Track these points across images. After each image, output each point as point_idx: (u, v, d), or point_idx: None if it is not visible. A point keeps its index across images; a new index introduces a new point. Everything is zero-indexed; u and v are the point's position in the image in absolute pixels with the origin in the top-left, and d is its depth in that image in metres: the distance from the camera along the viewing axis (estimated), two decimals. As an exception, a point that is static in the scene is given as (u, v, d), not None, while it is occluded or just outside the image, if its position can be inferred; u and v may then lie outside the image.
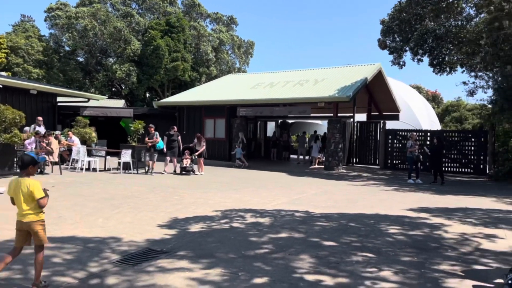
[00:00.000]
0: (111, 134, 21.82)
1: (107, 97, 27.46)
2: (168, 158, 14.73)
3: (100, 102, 22.95)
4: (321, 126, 29.93)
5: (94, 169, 14.24)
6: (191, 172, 14.41)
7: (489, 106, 17.94)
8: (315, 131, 21.51)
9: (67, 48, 34.63)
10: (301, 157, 21.88)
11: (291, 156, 24.04)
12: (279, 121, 24.85)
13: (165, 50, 31.78)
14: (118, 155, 14.88)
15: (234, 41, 39.86)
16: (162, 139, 14.49)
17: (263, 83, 21.56)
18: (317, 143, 19.91)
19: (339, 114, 17.95)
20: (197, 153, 14.62)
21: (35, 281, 3.75)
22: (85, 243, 5.26)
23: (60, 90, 19.50)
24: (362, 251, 5.21)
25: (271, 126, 26.69)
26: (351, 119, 19.88)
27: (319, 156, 19.92)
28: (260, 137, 24.60)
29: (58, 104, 19.74)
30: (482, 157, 17.12)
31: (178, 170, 14.50)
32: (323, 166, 18.15)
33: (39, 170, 12.71)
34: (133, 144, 14.67)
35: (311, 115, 19.92)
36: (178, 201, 8.62)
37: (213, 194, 9.86)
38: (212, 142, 20.41)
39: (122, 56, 33.18)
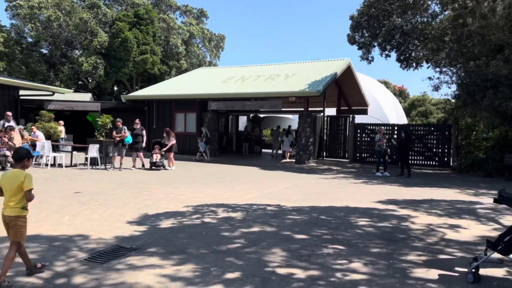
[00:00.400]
0: (77, 128, 21.19)
1: (73, 90, 26.61)
2: (135, 154, 14.34)
3: (66, 96, 22.18)
4: (292, 120, 30.10)
5: (60, 165, 13.80)
6: (162, 167, 14.20)
7: (453, 100, 18.58)
8: (289, 126, 21.60)
9: (30, 40, 33.23)
10: (275, 151, 21.95)
11: (263, 150, 24.10)
12: (251, 115, 24.83)
13: (134, 43, 31.06)
14: (85, 150, 14.46)
15: (205, 34, 39.44)
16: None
17: (234, 77, 21.46)
18: (288, 137, 20.03)
19: (309, 109, 18.12)
20: (165, 148, 14.41)
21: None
22: (51, 241, 5.08)
23: (22, 83, 18.70)
24: (333, 244, 5.29)
25: (242, 121, 26.63)
26: (321, 114, 20.12)
27: (291, 150, 20.07)
28: (231, 132, 24.52)
29: (21, 97, 18.94)
30: (446, 150, 17.73)
31: (147, 165, 14.25)
32: (294, 160, 18.30)
33: (0, 166, 12.19)
34: (101, 139, 14.27)
35: (283, 109, 19.99)
36: (148, 197, 8.47)
37: (184, 189, 9.74)
38: (183, 136, 20.18)
39: (88, 48, 32.19)
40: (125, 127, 13.97)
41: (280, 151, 21.87)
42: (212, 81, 21.62)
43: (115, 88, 37.27)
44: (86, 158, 13.79)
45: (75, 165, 14.24)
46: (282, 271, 4.25)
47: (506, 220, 6.89)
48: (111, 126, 14.68)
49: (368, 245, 5.28)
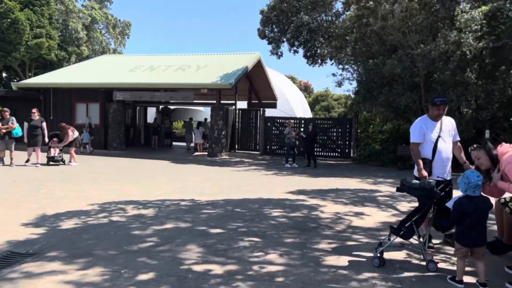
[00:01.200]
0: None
1: (-50, 75, 23.14)
2: (31, 148, 12.65)
3: None
4: (204, 112, 29.88)
5: None
6: (61, 162, 13.02)
7: (354, 96, 19.98)
8: (206, 119, 21.29)
9: None
10: (191, 144, 21.45)
11: (174, 143, 23.50)
12: (160, 107, 24.02)
13: (26, 25, 27.95)
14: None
15: (109, 20, 37.03)
16: (22, 126, 12.59)
17: (142, 66, 20.51)
18: (199, 129, 19.80)
19: (221, 101, 18.07)
20: (61, 145, 13.08)
21: None
22: None
23: None
24: (249, 236, 5.29)
25: (151, 112, 25.66)
26: (233, 106, 20.22)
27: (203, 142, 19.90)
28: (139, 124, 23.46)
29: None
30: (347, 142, 19.03)
31: (44, 161, 12.93)
32: (206, 153, 18.14)
33: None
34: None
35: (194, 101, 19.67)
36: (46, 196, 7.68)
37: (88, 186, 9.04)
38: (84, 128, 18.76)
39: (-31, 28, 28.16)
40: (13, 118, 12.41)
41: (190, 144, 21.55)
42: (118, 70, 20.41)
43: (4, 75, 33.30)
44: (-32, 153, 12.08)
45: (-46, 161, 12.40)
46: (198, 268, 4.12)
47: (402, 206, 7.57)
48: (0, 116, 13.00)
49: (282, 235, 5.38)
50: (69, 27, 32.92)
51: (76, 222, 5.76)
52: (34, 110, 12.97)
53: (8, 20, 27.42)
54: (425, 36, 13.57)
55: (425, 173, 4.59)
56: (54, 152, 12.97)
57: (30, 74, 30.25)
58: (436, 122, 4.81)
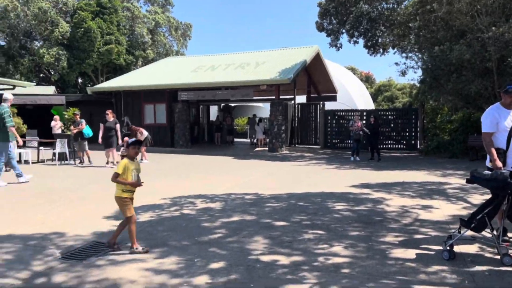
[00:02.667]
0: (41, 123, 20.40)
1: (35, 83, 25.51)
2: (108, 150, 12.90)
3: (28, 89, 21.22)
4: (263, 109, 30.20)
5: (26, 161, 13.28)
6: (134, 160, 13.89)
7: (419, 85, 19.14)
8: (254, 115, 21.64)
9: (-15, 31, 31.54)
10: (253, 139, 21.94)
11: (235, 139, 24.07)
12: (222, 104, 24.68)
13: (97, 33, 30.06)
14: (51, 145, 13.96)
15: (171, 23, 38.64)
16: (97, 127, 13.45)
17: (204, 66, 21.22)
18: (259, 125, 20.12)
19: (280, 96, 18.20)
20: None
21: (110, 239, 4.62)
22: (25, 241, 4.91)
23: (-20, 77, 17.78)
24: (313, 229, 5.38)
25: (214, 110, 26.45)
26: (292, 101, 20.25)
27: (264, 137, 20.21)
28: (203, 122, 24.32)
29: (-21, 92, 18.00)
30: (413, 134, 18.29)
31: (119, 159, 13.85)
32: (267, 148, 18.39)
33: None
34: (68, 133, 13.80)
35: (254, 98, 19.99)
36: (123, 191, 8.30)
37: (160, 181, 9.61)
38: (153, 128, 19.83)
39: (49, 39, 30.86)
40: (83, 120, 13.26)
41: (254, 140, 21.98)
42: (181, 71, 21.30)
43: (80, 80, 36.06)
44: (54, 154, 13.34)
45: (43, 161, 13.76)
46: (265, 258, 4.30)
47: (474, 199, 7.21)
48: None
49: (347, 228, 5.40)
50: (135, 32, 34.84)
51: (151, 215, 6.21)
52: (108, 112, 13.15)
53: (82, 29, 29.66)
54: (497, 18, 12.66)
55: (499, 164, 4.35)
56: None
57: (102, 79, 32.50)
58: (510, 110, 4.54)
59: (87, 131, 13.19)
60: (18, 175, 9.14)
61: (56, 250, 4.57)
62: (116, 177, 4.54)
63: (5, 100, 9.26)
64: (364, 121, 18.20)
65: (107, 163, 12.94)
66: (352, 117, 15.85)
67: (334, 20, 18.49)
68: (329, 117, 19.66)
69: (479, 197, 7.27)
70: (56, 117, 14.72)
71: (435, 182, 9.24)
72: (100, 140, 12.84)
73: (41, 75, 35.05)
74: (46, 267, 4.06)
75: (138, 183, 4.66)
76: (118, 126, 13.05)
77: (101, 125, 12.88)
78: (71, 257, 4.36)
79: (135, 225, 4.64)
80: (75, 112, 13.66)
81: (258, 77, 17.73)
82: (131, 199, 4.66)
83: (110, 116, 12.98)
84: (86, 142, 13.26)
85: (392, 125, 18.71)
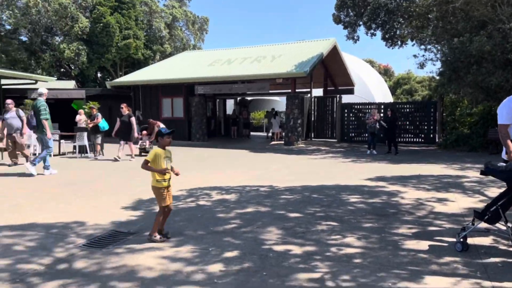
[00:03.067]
0: (62, 117, 20.89)
1: (55, 78, 26.11)
2: (122, 143, 12.83)
3: (49, 84, 21.77)
4: (280, 102, 30.18)
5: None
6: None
7: (438, 77, 18.80)
8: (273, 109, 21.68)
9: (8, 27, 32.32)
10: (269, 134, 22.03)
11: (251, 133, 24.17)
12: (238, 98, 24.78)
13: (116, 28, 30.48)
14: (72, 138, 14.31)
15: (188, 17, 38.86)
16: (115, 121, 13.65)
17: (220, 60, 21.32)
18: (276, 119, 20.15)
19: (297, 90, 18.17)
20: (151, 138, 13.81)
21: (150, 232, 4.69)
22: (48, 229, 5.11)
23: (3, 72, 18.26)
24: (326, 220, 5.43)
25: (230, 104, 26.57)
26: (309, 94, 20.19)
27: (280, 131, 20.25)
28: (219, 115, 24.48)
29: (3, 87, 18.55)
30: (432, 127, 18.04)
31: (137, 152, 14.11)
32: (283, 142, 18.42)
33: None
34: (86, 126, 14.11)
35: (270, 91, 20.00)
36: (141, 183, 8.48)
37: (176, 173, 9.77)
38: (170, 121, 20.04)
39: (69, 34, 31.46)
40: (99, 114, 13.47)
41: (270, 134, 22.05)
42: (198, 65, 21.44)
43: (99, 75, 36.68)
44: (75, 147, 13.68)
45: (64, 154, 14.13)
46: (278, 248, 4.38)
47: (491, 192, 7.14)
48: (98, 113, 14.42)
49: (360, 220, 5.43)
50: (153, 27, 35.19)
51: (167, 206, 6.35)
52: (122, 106, 13.03)
53: (101, 24, 30.12)
54: (520, 8, 12.35)
55: (514, 156, 4.32)
56: (145, 144, 14.14)
57: (120, 73, 33.00)
58: (527, 102, 4.48)
59: (103, 124, 13.43)
60: (46, 167, 9.51)
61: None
62: (146, 164, 4.65)
63: (40, 95, 9.72)
64: (381, 114, 18.05)
65: (128, 155, 13.04)
66: (369, 111, 15.69)
67: (351, 12, 18.29)
68: (346, 110, 19.53)
69: (497, 190, 7.17)
70: (81, 111, 15.06)
71: (452, 176, 9.14)
72: (113, 133, 13.02)
73: (62, 69, 35.79)
74: (67, 254, 4.23)
75: (164, 170, 4.76)
76: (133, 119, 12.96)
77: (118, 119, 13.11)
78: (91, 245, 4.53)
79: (164, 218, 4.76)
80: (91, 106, 13.93)
81: (274, 70, 17.73)
82: (167, 188, 4.81)
83: (125, 110, 12.98)
84: (99, 135, 13.45)
85: (410, 118, 18.48)
